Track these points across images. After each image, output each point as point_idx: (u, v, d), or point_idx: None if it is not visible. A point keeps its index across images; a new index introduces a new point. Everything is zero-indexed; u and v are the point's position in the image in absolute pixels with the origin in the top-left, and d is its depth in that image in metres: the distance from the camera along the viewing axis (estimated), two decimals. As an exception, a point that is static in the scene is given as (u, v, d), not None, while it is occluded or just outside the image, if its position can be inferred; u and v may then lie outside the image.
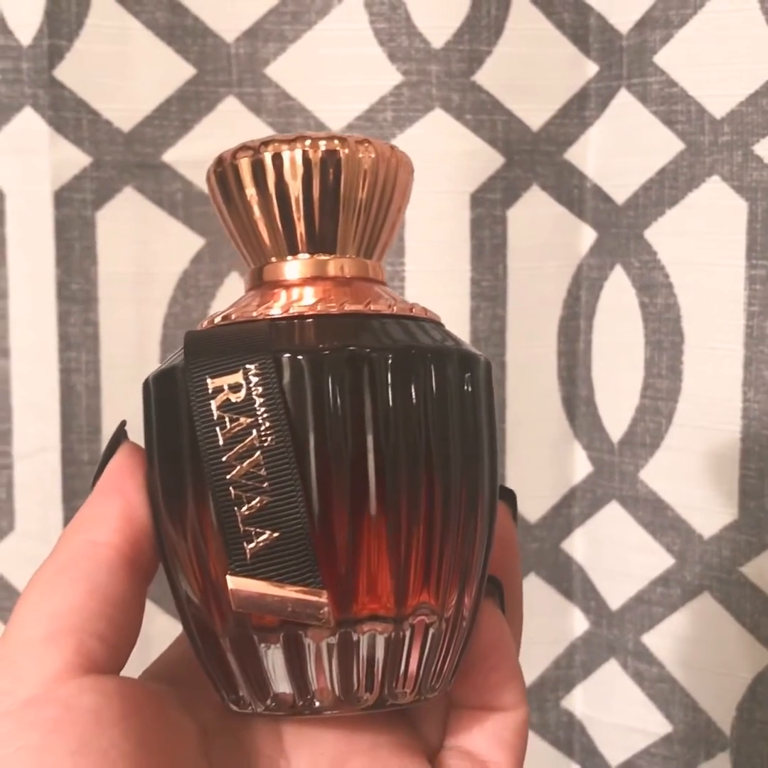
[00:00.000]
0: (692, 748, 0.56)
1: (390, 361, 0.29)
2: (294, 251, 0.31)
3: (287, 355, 0.28)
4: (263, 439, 0.28)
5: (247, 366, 0.28)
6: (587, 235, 0.57)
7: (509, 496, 0.34)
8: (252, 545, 0.28)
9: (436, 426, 0.29)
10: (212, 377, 0.28)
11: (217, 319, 0.31)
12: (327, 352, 0.28)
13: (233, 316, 0.30)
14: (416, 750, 0.33)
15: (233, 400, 0.28)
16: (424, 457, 0.29)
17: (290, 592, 0.28)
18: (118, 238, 0.55)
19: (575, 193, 0.57)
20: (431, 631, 0.30)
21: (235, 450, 0.28)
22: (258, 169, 0.31)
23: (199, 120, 0.55)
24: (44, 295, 0.55)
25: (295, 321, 0.30)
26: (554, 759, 0.61)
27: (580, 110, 0.56)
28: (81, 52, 0.53)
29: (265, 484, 0.28)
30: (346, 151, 0.31)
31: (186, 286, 0.56)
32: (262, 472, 0.28)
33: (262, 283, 0.32)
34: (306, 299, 0.30)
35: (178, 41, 0.55)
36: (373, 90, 0.55)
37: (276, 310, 0.30)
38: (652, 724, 0.57)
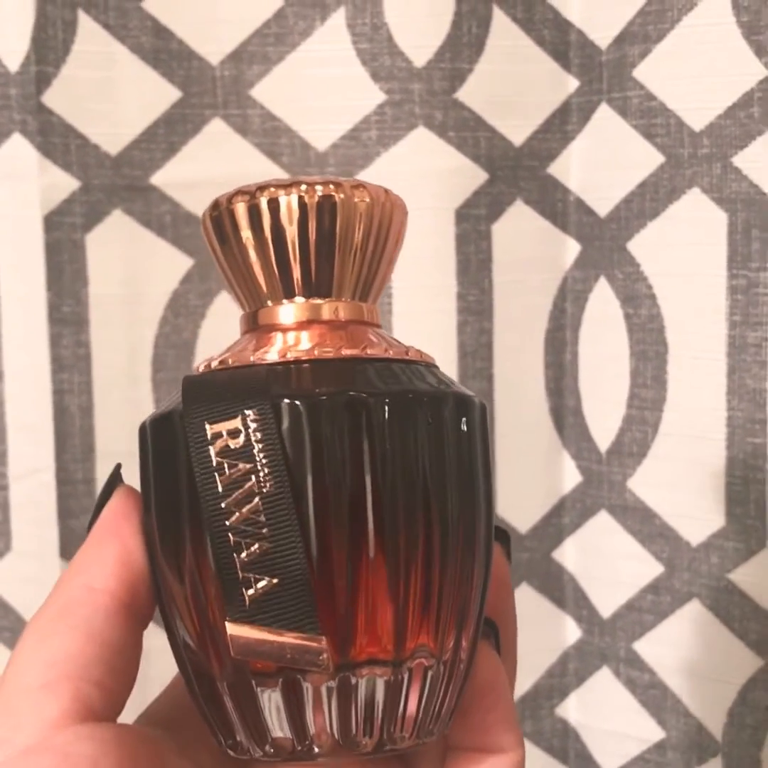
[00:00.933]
0: (685, 753, 0.56)
1: (387, 406, 0.29)
2: (290, 295, 0.31)
3: (285, 400, 0.28)
4: (262, 485, 0.28)
5: (246, 412, 0.28)
6: (571, 248, 0.58)
7: (503, 537, 0.34)
8: (251, 592, 0.28)
9: (433, 469, 0.29)
10: (211, 423, 0.28)
11: (214, 364, 0.31)
12: (324, 397, 0.29)
13: (230, 361, 0.31)
14: None
15: (232, 446, 0.28)
16: (422, 500, 0.29)
17: (289, 639, 0.28)
18: (107, 260, 0.56)
19: (559, 206, 0.58)
20: (430, 673, 0.30)
21: (233, 496, 0.28)
22: (254, 213, 0.31)
23: (186, 142, 0.56)
24: (36, 318, 0.56)
25: (292, 366, 0.30)
26: (549, 766, 0.61)
27: (562, 125, 0.57)
28: (68, 77, 0.54)
29: (265, 530, 0.28)
30: (342, 195, 0.31)
31: (176, 305, 0.57)
32: (262, 518, 0.28)
33: (257, 327, 0.32)
34: (302, 344, 0.30)
35: (163, 65, 0.55)
36: (357, 109, 0.56)
37: (273, 355, 0.30)
38: (645, 731, 0.58)
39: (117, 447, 0.57)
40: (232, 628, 0.28)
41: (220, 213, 0.32)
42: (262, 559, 0.28)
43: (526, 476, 0.59)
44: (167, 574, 0.30)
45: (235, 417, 0.28)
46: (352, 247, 0.31)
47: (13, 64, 0.54)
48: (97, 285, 0.56)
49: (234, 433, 0.28)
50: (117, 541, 0.30)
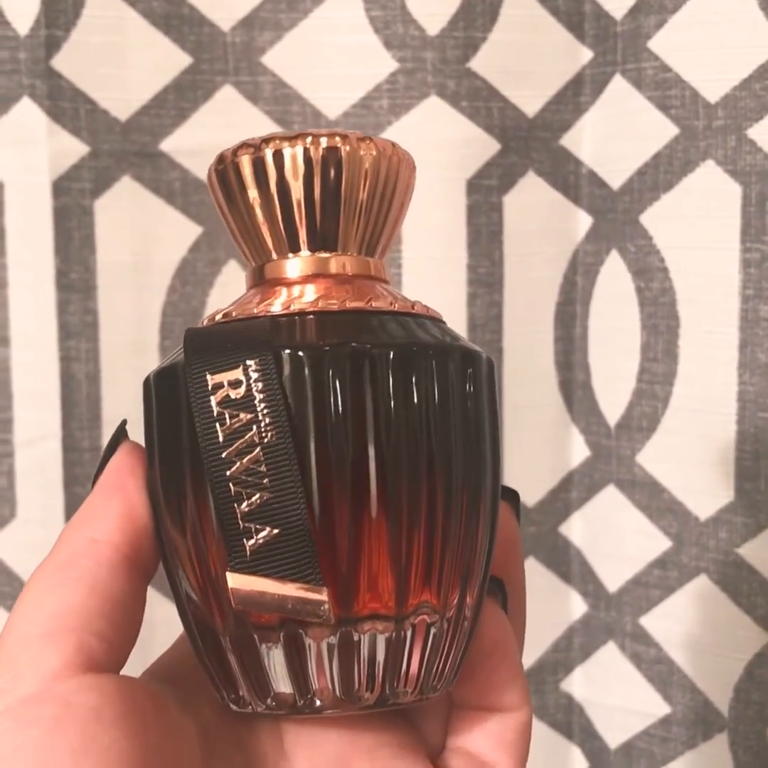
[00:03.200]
0: (690, 729, 0.56)
1: (391, 358, 0.29)
2: (295, 249, 0.31)
3: (288, 351, 0.28)
4: (263, 435, 0.28)
5: (248, 362, 0.28)
6: (583, 221, 0.58)
7: (512, 496, 0.34)
8: (252, 542, 0.28)
9: (438, 423, 0.29)
10: (212, 373, 0.28)
11: (218, 317, 0.31)
12: (328, 348, 0.28)
13: (234, 314, 0.30)
14: (418, 751, 0.32)
15: (233, 396, 0.28)
16: (426, 453, 0.29)
17: (290, 589, 0.28)
18: (116, 226, 0.56)
19: (571, 178, 0.57)
20: (432, 630, 0.29)
21: (234, 446, 0.28)
22: (259, 166, 0.31)
23: (196, 109, 0.55)
24: (43, 284, 0.55)
25: (296, 318, 0.29)
26: (554, 741, 0.61)
27: (576, 96, 0.56)
28: (78, 42, 0.54)
29: (265, 481, 0.27)
30: (348, 148, 0.30)
31: (184, 274, 0.56)
32: (262, 468, 0.28)
33: (263, 281, 0.31)
34: (307, 296, 0.30)
35: (174, 30, 0.55)
36: (368, 78, 0.55)
37: (277, 307, 0.30)
38: (651, 706, 0.58)
39: (124, 415, 0.56)
40: (232, 579, 0.28)
41: (226, 167, 0.31)
42: (262, 509, 0.28)
43: (534, 450, 0.59)
44: (170, 528, 0.30)
45: (236, 367, 0.28)
46: (358, 200, 0.31)
47: (23, 28, 0.54)
48: (105, 252, 0.56)
49: (235, 384, 0.28)
50: (121, 495, 0.30)
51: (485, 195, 0.56)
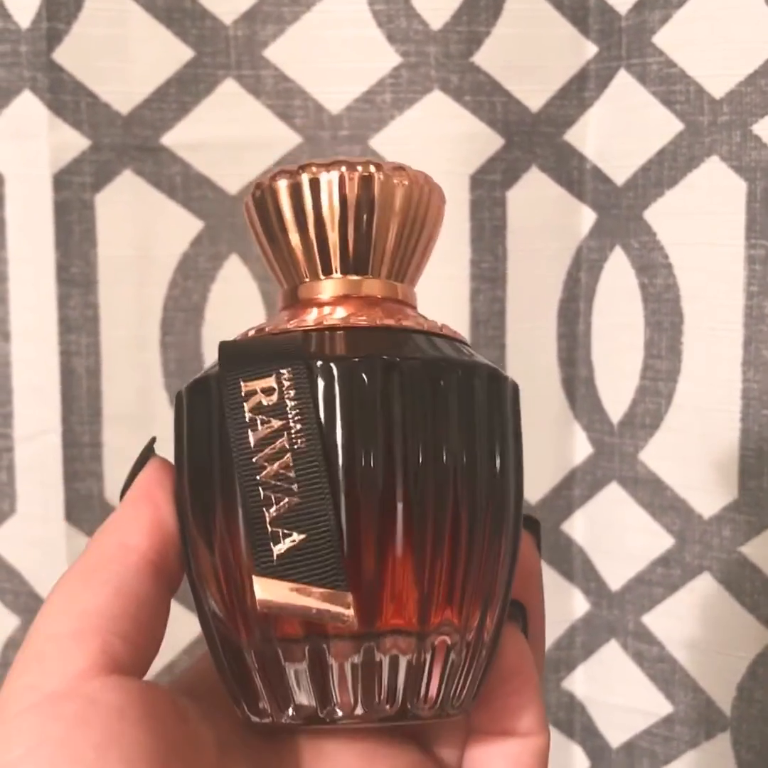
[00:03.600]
0: (693, 728, 0.56)
1: (420, 370, 0.29)
2: (328, 272, 0.32)
3: (319, 362, 0.29)
4: (294, 441, 0.28)
5: (281, 371, 0.29)
6: (587, 217, 0.57)
7: (534, 526, 0.34)
8: (279, 546, 0.28)
9: (464, 437, 0.30)
10: (246, 381, 0.29)
11: (251, 332, 0.32)
12: (357, 359, 0.29)
13: (267, 330, 0.31)
14: None
15: (265, 403, 0.29)
16: (452, 466, 0.29)
17: (316, 594, 0.28)
18: (117, 220, 0.55)
19: (575, 174, 0.57)
20: (452, 652, 0.30)
21: (265, 452, 0.28)
22: (295, 192, 0.32)
23: (198, 102, 0.55)
24: (44, 278, 0.55)
25: (327, 332, 0.30)
26: (555, 740, 0.61)
27: (580, 91, 0.56)
28: (79, 35, 0.53)
29: (294, 486, 0.28)
30: (382, 177, 0.32)
31: (185, 268, 0.56)
32: (292, 473, 0.28)
33: (295, 302, 0.32)
34: (338, 314, 0.31)
35: (176, 24, 0.54)
36: (371, 72, 0.55)
37: (309, 323, 0.31)
38: (653, 705, 0.57)
39: (124, 410, 0.56)
40: (258, 583, 0.28)
41: (263, 192, 0.32)
42: (291, 514, 0.28)
43: (537, 447, 0.58)
44: (198, 543, 0.30)
45: (269, 375, 0.29)
46: (389, 227, 0.32)
47: (24, 20, 0.53)
48: (106, 246, 0.55)
49: (268, 391, 0.29)
50: (150, 505, 0.31)
51: (488, 190, 0.56)
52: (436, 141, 0.55)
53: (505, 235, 0.57)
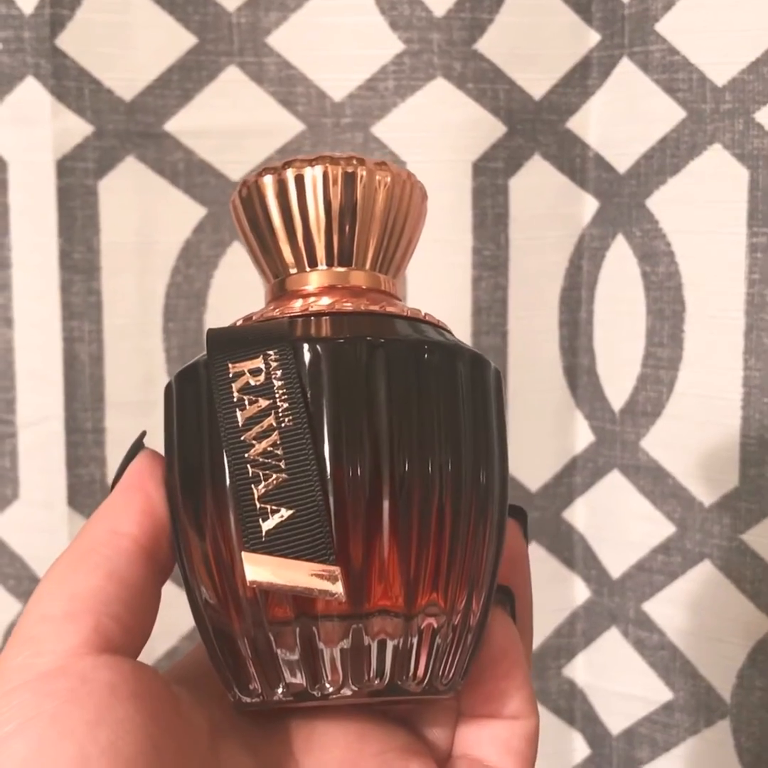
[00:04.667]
0: (693, 715, 0.56)
1: (404, 351, 0.30)
2: (313, 264, 0.33)
3: (306, 343, 0.30)
4: (281, 420, 0.29)
5: (268, 352, 0.29)
6: (589, 205, 0.57)
7: (520, 514, 0.35)
8: (267, 522, 0.28)
9: (448, 419, 0.30)
10: (233, 362, 0.30)
11: (239, 322, 0.32)
12: (342, 340, 0.30)
13: (254, 318, 0.32)
14: (425, 756, 0.32)
15: (253, 383, 0.29)
16: (438, 444, 0.30)
17: (304, 568, 0.28)
18: (120, 207, 0.55)
19: (577, 162, 0.57)
20: (438, 635, 0.30)
21: (253, 430, 0.29)
22: (281, 187, 0.33)
23: (201, 89, 0.55)
24: (47, 265, 0.55)
25: (313, 318, 0.31)
26: (555, 727, 0.61)
27: (582, 79, 0.56)
28: (83, 21, 0.53)
29: (282, 463, 0.28)
30: (364, 173, 0.32)
31: (188, 255, 0.56)
32: (279, 451, 0.29)
33: (282, 294, 0.33)
34: (323, 302, 0.32)
35: (179, 10, 0.55)
36: (374, 59, 0.55)
37: (295, 310, 0.31)
38: (653, 692, 0.57)
39: (127, 397, 0.56)
40: (247, 559, 0.28)
41: (249, 189, 0.33)
42: (278, 490, 0.28)
43: (538, 435, 0.59)
44: (188, 531, 0.31)
45: (256, 357, 0.29)
46: (372, 220, 0.33)
47: (28, 7, 0.53)
48: (108, 232, 0.55)
49: (255, 372, 0.29)
50: (141, 493, 0.31)
51: (491, 178, 0.56)
52: (439, 128, 0.55)
53: (508, 222, 0.57)
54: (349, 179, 0.32)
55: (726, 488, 0.54)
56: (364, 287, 0.33)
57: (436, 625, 0.30)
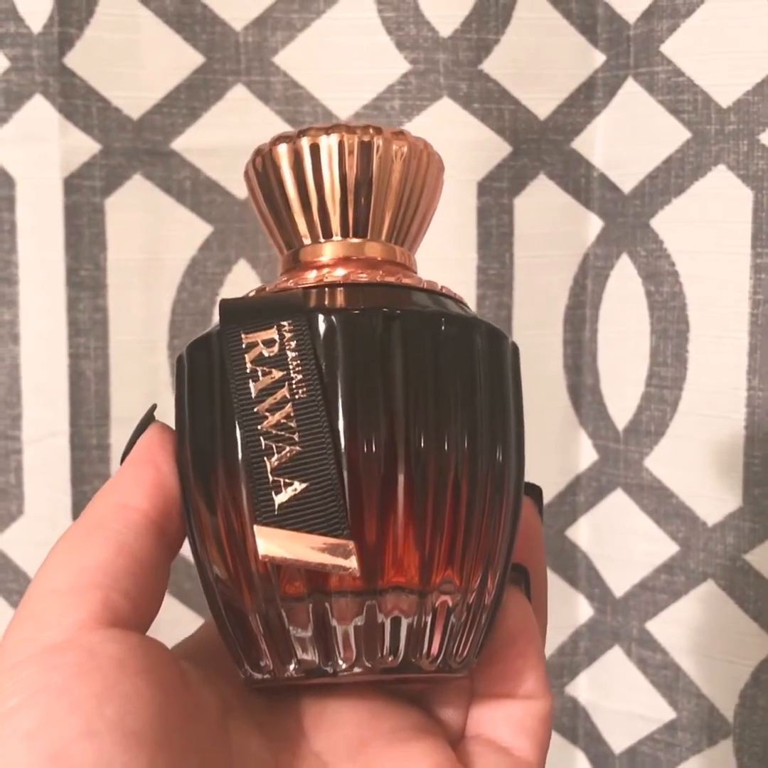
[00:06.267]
0: (695, 734, 0.56)
1: (420, 322, 0.29)
2: (328, 235, 0.32)
3: (321, 314, 0.29)
4: (294, 391, 0.28)
5: (282, 322, 0.29)
6: (594, 224, 0.57)
7: (535, 492, 0.34)
8: (281, 496, 0.28)
9: (465, 392, 0.30)
10: (246, 333, 0.29)
11: (251, 294, 0.32)
12: (358, 311, 0.29)
13: (267, 289, 0.31)
14: (437, 735, 0.32)
15: (267, 354, 0.29)
16: (453, 416, 0.29)
17: (317, 542, 0.28)
18: (126, 224, 0.56)
19: (582, 182, 0.57)
20: (453, 613, 0.29)
21: (266, 401, 0.28)
22: (295, 156, 0.32)
23: (208, 108, 0.55)
24: (54, 282, 0.55)
25: (327, 288, 0.30)
26: (558, 745, 0.61)
27: (588, 99, 0.56)
28: (91, 39, 0.54)
29: (295, 436, 0.28)
30: (380, 141, 0.32)
31: (194, 273, 0.56)
32: (293, 423, 0.28)
33: (296, 265, 0.32)
34: (338, 273, 0.31)
35: (187, 29, 0.55)
36: (380, 78, 0.55)
37: (309, 281, 0.31)
38: (656, 711, 0.57)
39: (132, 413, 0.56)
40: (260, 533, 0.28)
41: (263, 158, 0.33)
42: (292, 463, 0.28)
43: (542, 453, 0.59)
44: (199, 506, 0.30)
45: (270, 327, 0.29)
46: (388, 191, 0.32)
47: (36, 25, 0.54)
48: (115, 250, 0.56)
49: (269, 343, 0.29)
50: (152, 466, 0.31)
51: (496, 197, 0.56)
52: (444, 148, 0.54)
53: (512, 241, 0.57)
54: (366, 149, 0.32)
55: (730, 508, 0.54)
56: (379, 259, 0.32)
57: (451, 603, 0.29)
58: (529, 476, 0.59)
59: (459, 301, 0.32)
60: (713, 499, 0.54)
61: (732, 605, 0.54)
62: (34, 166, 0.55)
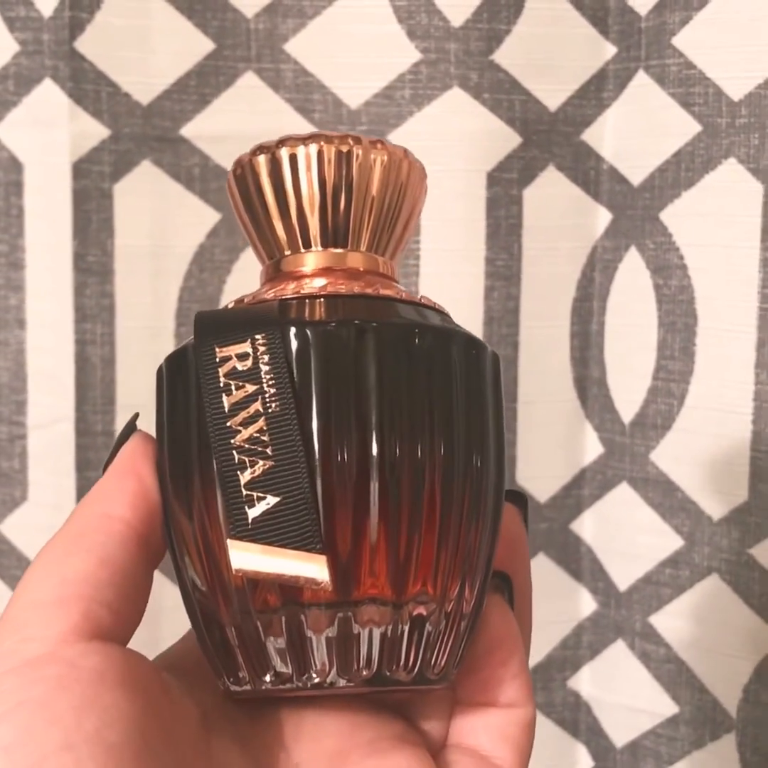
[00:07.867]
0: (698, 729, 0.56)
1: (394, 335, 0.29)
2: (308, 245, 0.32)
3: (294, 327, 0.29)
4: (268, 405, 0.28)
5: (256, 336, 0.29)
6: (602, 217, 0.57)
7: (520, 500, 0.34)
8: (254, 510, 0.28)
9: (440, 404, 0.29)
10: (220, 346, 0.29)
11: (230, 305, 0.32)
12: (333, 324, 0.29)
13: (246, 301, 0.31)
14: (418, 744, 0.32)
15: (240, 368, 0.29)
16: (429, 429, 0.29)
17: (291, 556, 0.28)
18: (135, 210, 0.56)
19: (591, 174, 0.57)
20: (429, 622, 0.29)
21: (239, 415, 0.28)
22: (274, 166, 0.32)
23: (218, 95, 0.55)
24: (61, 267, 0.55)
25: (306, 300, 0.30)
26: (560, 739, 0.61)
27: (598, 91, 0.56)
28: (102, 24, 0.54)
29: (268, 450, 0.28)
30: (359, 151, 0.32)
31: (202, 260, 0.56)
32: (265, 437, 0.28)
33: (277, 275, 0.32)
34: (316, 284, 0.31)
35: (197, 16, 0.55)
36: (391, 67, 0.55)
37: (287, 293, 0.31)
38: (659, 705, 0.57)
39: (138, 400, 0.56)
40: (233, 547, 0.28)
41: (243, 169, 0.33)
42: (265, 477, 0.28)
43: (547, 446, 0.59)
44: (177, 513, 0.30)
45: (244, 341, 0.29)
46: (368, 200, 0.32)
47: (47, 10, 0.54)
48: (123, 236, 0.56)
49: (242, 356, 0.29)
50: (134, 476, 0.31)
51: (505, 188, 0.56)
52: (454, 138, 0.55)
53: (521, 233, 0.57)
54: (344, 158, 0.32)
55: (735, 502, 0.53)
56: (361, 269, 0.32)
57: (426, 613, 0.29)
58: (535, 468, 0.59)
59: (440, 311, 0.32)
60: (719, 493, 0.54)
61: (736, 600, 0.54)
62: (42, 150, 0.55)
